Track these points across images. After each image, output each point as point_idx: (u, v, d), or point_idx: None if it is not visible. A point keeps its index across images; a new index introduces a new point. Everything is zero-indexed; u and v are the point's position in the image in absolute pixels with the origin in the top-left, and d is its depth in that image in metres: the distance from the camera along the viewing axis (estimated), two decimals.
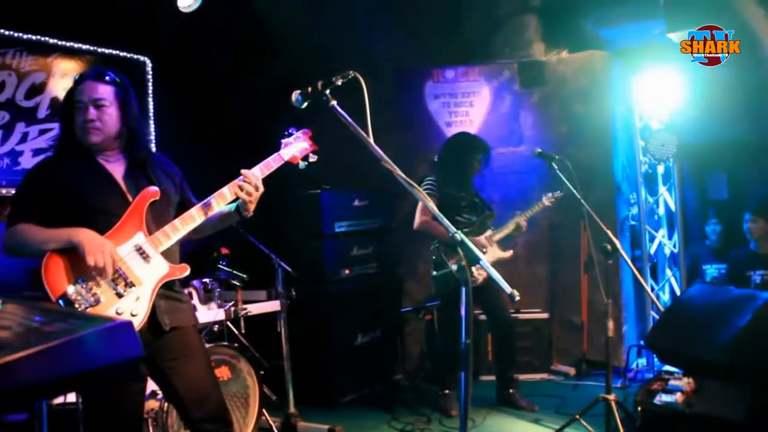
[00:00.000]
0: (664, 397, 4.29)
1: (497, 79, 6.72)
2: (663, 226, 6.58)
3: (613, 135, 6.47)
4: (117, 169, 2.94)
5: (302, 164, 3.28)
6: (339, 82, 2.73)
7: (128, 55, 6.01)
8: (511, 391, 5.37)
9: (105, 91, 2.87)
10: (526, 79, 6.69)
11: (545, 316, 6.31)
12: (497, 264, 5.15)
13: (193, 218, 2.95)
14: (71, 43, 5.60)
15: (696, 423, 4.04)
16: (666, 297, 6.49)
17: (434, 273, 5.17)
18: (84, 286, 2.67)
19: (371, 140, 2.67)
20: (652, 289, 6.40)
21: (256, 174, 3.03)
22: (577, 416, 4.53)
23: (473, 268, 4.90)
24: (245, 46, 6.13)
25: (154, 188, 2.92)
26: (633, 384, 5.75)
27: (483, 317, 5.79)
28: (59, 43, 5.54)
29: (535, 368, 6.22)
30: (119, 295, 2.73)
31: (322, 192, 5.68)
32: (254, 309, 5.01)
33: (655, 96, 6.27)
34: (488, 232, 5.37)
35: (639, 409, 4.35)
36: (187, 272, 2.95)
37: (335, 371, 5.71)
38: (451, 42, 6.81)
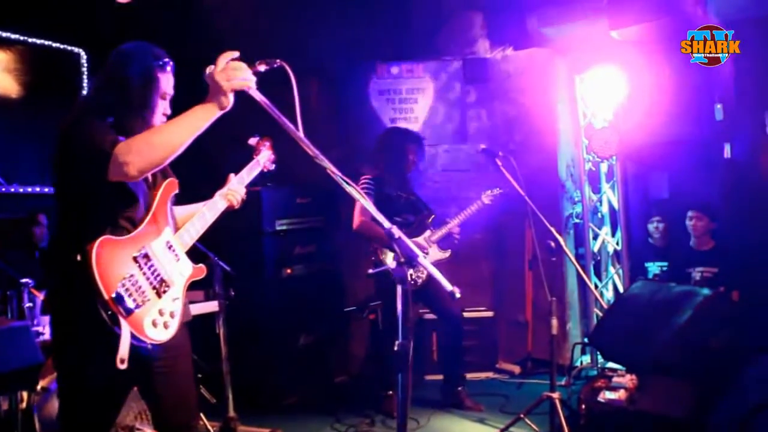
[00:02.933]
0: (608, 395, 4.28)
1: (442, 76, 6.65)
2: (606, 224, 6.59)
3: (558, 133, 6.45)
4: None
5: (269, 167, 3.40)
6: (261, 68, 2.55)
7: (62, 47, 5.78)
8: (459, 389, 5.30)
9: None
10: (471, 76, 6.65)
11: (490, 314, 6.26)
12: (438, 264, 5.05)
13: (206, 218, 2.86)
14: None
15: (639, 420, 4.04)
16: (610, 294, 6.50)
17: (369, 271, 5.03)
18: (131, 280, 2.40)
19: (301, 134, 2.52)
20: (596, 287, 6.40)
21: (242, 183, 3.08)
22: (522, 415, 4.49)
23: (412, 270, 4.83)
24: (182, 38, 5.91)
25: (175, 181, 2.76)
26: (577, 382, 5.75)
27: (429, 316, 5.71)
28: None
29: (480, 367, 6.17)
30: (158, 295, 2.51)
31: (262, 189, 5.51)
32: (192, 309, 4.80)
33: (598, 95, 6.27)
34: (427, 233, 5.30)
35: (583, 406, 4.33)
36: (205, 274, 2.82)
37: (276, 373, 5.55)
38: (396, 38, 6.74)
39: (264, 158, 3.30)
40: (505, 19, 6.67)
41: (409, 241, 2.42)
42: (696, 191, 6.24)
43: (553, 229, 4.54)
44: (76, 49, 5.84)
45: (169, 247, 2.63)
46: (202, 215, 2.84)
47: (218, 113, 2.47)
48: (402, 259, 2.40)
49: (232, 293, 4.88)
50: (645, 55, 6.01)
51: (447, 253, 5.30)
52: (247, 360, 5.21)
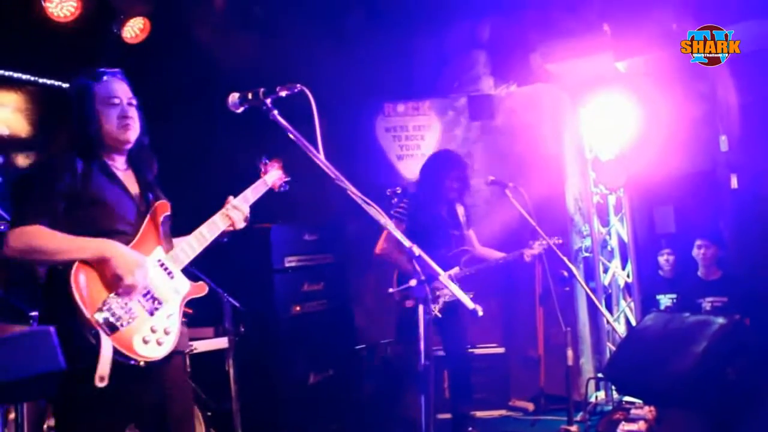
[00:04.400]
0: (627, 426, 4.20)
1: (448, 113, 6.69)
2: (616, 257, 6.55)
3: (564, 167, 6.45)
4: (128, 178, 2.76)
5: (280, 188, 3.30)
6: (283, 94, 2.60)
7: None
8: (469, 429, 5.16)
9: (130, 92, 2.75)
10: (476, 113, 6.68)
11: (501, 350, 6.17)
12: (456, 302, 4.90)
13: (205, 237, 2.83)
14: (10, 73, 5.36)
15: None
16: (622, 328, 6.42)
17: (390, 290, 4.76)
18: (118, 300, 2.43)
19: (322, 156, 2.55)
20: (608, 321, 6.32)
21: (246, 202, 3.02)
22: None
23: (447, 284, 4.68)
24: (190, 76, 5.97)
25: (167, 202, 2.79)
26: (592, 417, 5.63)
27: (440, 353, 5.60)
28: None
29: (492, 405, 6.06)
30: (150, 312, 2.53)
31: (271, 226, 5.48)
32: (201, 346, 4.75)
33: (604, 128, 6.29)
34: (455, 270, 4.96)
35: None
36: (206, 291, 2.81)
37: (287, 412, 5.44)
38: (401, 76, 6.78)
39: (273, 177, 3.23)
40: (508, 56, 6.73)
41: (431, 261, 2.40)
42: (703, 222, 6.22)
43: (565, 259, 4.50)
44: None
45: (161, 265, 2.66)
46: (199, 234, 2.82)
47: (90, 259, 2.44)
48: (423, 278, 2.39)
49: (242, 329, 4.82)
50: (649, 87, 6.05)
51: (470, 295, 5.01)
52: (256, 398, 5.12)
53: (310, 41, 6.13)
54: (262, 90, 2.58)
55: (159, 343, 2.51)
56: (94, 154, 2.63)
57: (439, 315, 4.77)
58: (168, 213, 2.77)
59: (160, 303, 2.57)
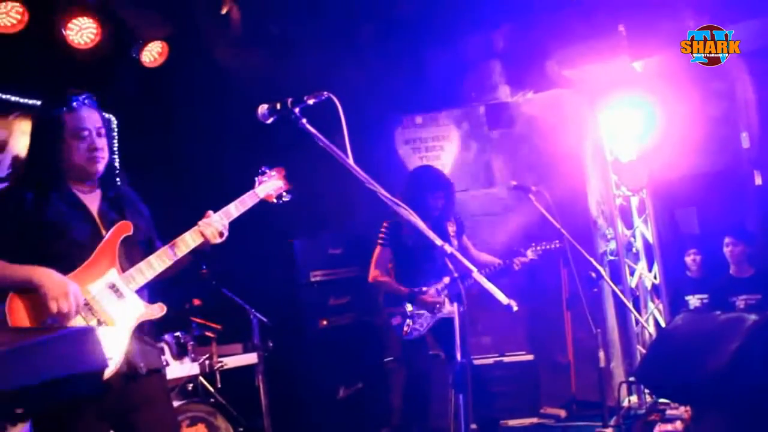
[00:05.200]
0: (663, 427, 4.13)
1: (466, 123, 6.69)
2: (642, 259, 6.48)
3: (585, 170, 6.41)
4: (92, 201, 2.73)
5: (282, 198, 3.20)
6: (310, 102, 2.61)
7: None
8: None
9: (99, 120, 2.71)
10: (494, 121, 6.67)
11: (530, 357, 6.09)
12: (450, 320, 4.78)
13: (168, 255, 2.74)
14: (34, 101, 5.42)
15: None
16: (651, 330, 6.33)
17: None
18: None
19: (351, 161, 2.55)
20: (637, 323, 6.25)
21: (228, 217, 2.89)
22: None
23: (410, 320, 4.58)
24: (209, 98, 6.02)
25: (128, 223, 2.72)
26: (626, 422, 5.54)
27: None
28: (21, 100, 5.35)
29: (523, 413, 5.96)
30: None
31: (295, 240, 5.49)
32: (230, 362, 4.74)
33: (622, 130, 6.25)
34: (442, 283, 4.60)
35: None
36: (164, 312, 2.72)
37: (316, 427, 5.41)
38: (419, 88, 6.78)
39: (268, 188, 3.11)
40: (523, 64, 6.70)
41: (462, 258, 2.39)
42: (728, 220, 6.16)
43: (592, 260, 4.46)
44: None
45: (110, 287, 2.60)
46: (162, 254, 2.74)
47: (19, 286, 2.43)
48: (456, 275, 2.37)
49: (271, 344, 4.82)
50: (667, 88, 6.02)
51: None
52: (287, 413, 5.10)
53: (326, 57, 6.17)
54: (290, 100, 2.59)
55: None
56: (54, 184, 2.61)
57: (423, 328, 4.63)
58: (129, 233, 2.71)
59: (104, 325, 2.52)
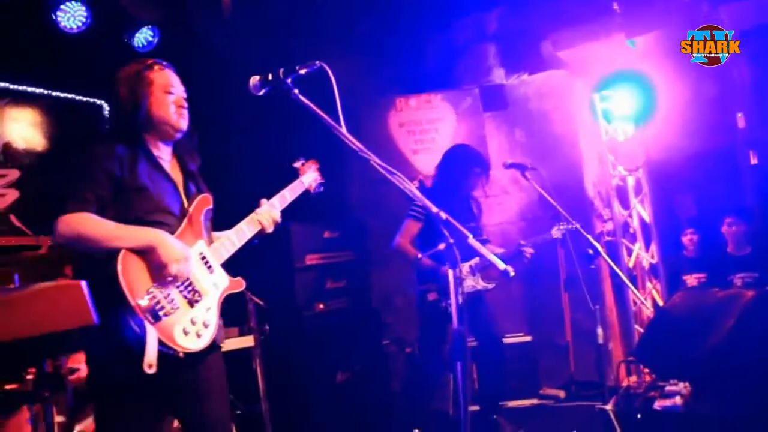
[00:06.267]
0: (662, 402, 4.10)
1: (461, 105, 6.64)
2: (639, 239, 6.45)
3: (581, 151, 6.38)
4: (173, 169, 2.75)
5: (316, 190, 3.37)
6: (302, 72, 2.57)
7: (84, 99, 5.78)
8: (494, 416, 5.04)
9: (182, 86, 2.75)
10: (489, 103, 6.63)
11: (528, 339, 6.07)
12: (479, 293, 4.85)
13: (245, 233, 2.86)
14: (24, 87, 5.37)
15: (700, 423, 3.86)
16: (649, 310, 6.31)
17: (419, 256, 4.65)
18: (161, 290, 2.41)
19: (344, 130, 2.52)
20: (635, 303, 6.22)
21: (284, 202, 3.09)
22: None
23: (466, 276, 4.70)
24: (201, 83, 5.95)
25: (209, 196, 2.78)
26: (625, 400, 5.51)
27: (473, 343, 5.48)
28: (11, 87, 5.30)
29: (522, 394, 5.94)
30: (190, 304, 2.50)
31: (290, 223, 5.43)
32: (226, 345, 4.68)
33: (618, 110, 6.22)
34: (475, 260, 4.86)
35: (639, 416, 4.14)
36: (244, 286, 2.83)
37: (316, 411, 5.36)
38: (412, 71, 6.74)
39: (309, 179, 3.29)
40: (518, 46, 6.66)
41: (459, 225, 2.36)
42: (724, 200, 6.13)
43: (590, 237, 4.42)
44: (98, 101, 5.85)
45: (202, 258, 2.64)
46: (229, 238, 2.82)
47: (138, 247, 2.41)
48: (451, 241, 2.34)
49: (267, 328, 4.78)
50: (662, 67, 5.97)
51: (491, 284, 4.89)
52: (284, 397, 5.06)
53: (319, 40, 6.12)
54: (281, 70, 2.55)
55: (198, 335, 2.48)
56: (139, 141, 2.61)
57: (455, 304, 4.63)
58: (210, 207, 2.76)
59: (200, 295, 2.54)
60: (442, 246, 2.37)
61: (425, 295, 4.75)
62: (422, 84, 6.75)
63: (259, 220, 2.91)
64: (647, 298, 6.36)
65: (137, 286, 2.33)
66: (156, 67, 2.67)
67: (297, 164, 3.35)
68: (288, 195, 3.12)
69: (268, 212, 2.96)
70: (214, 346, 2.59)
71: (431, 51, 6.79)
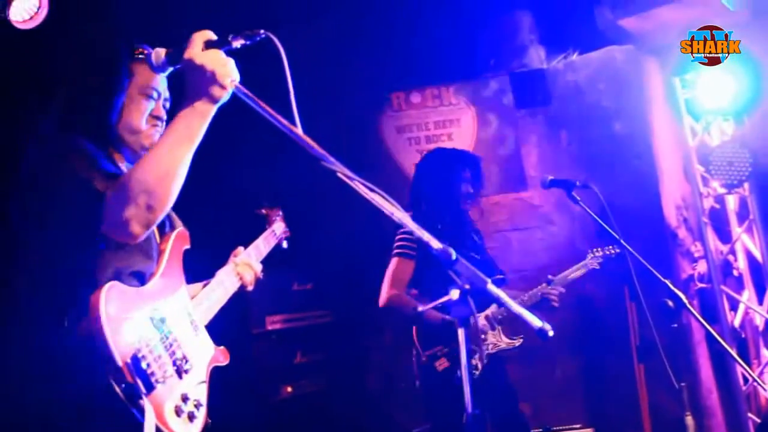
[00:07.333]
0: None
1: (483, 100, 6.69)
2: (747, 286, 6.41)
3: (657, 162, 6.38)
4: None
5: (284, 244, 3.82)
6: (237, 44, 2.47)
7: None
8: None
9: (168, 92, 2.84)
10: (524, 96, 6.66)
11: None
12: (502, 353, 4.95)
13: (226, 288, 3.07)
14: None
15: None
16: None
17: (420, 308, 4.66)
18: (150, 350, 2.41)
19: (300, 132, 2.44)
20: (746, 381, 6.16)
21: (259, 256, 3.39)
22: None
23: (489, 333, 4.80)
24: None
25: (186, 232, 2.90)
26: None
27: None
28: None
29: None
30: (179, 374, 2.52)
31: None
32: None
33: (711, 100, 6.21)
34: (492, 308, 5.00)
35: None
36: (228, 361, 2.96)
37: None
38: (414, 56, 6.75)
39: (279, 230, 3.64)
40: (563, 15, 6.70)
41: (471, 266, 2.33)
42: None
43: (668, 282, 4.36)
44: None
45: (188, 314, 2.74)
46: (214, 291, 2.96)
47: (214, 109, 2.46)
48: (467, 287, 2.31)
49: (210, 422, 4.71)
50: None
51: (518, 341, 5.03)
52: None
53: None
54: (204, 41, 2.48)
55: (191, 419, 2.52)
56: (101, 143, 2.66)
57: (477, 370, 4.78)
58: (188, 246, 2.87)
59: (188, 363, 2.58)
60: (454, 294, 2.33)
61: (433, 363, 4.76)
62: (428, 72, 6.80)
63: (241, 274, 3.12)
64: (764, 373, 6.29)
65: (123, 341, 2.31)
66: (148, 57, 2.63)
67: (262, 211, 3.69)
68: (262, 247, 3.43)
69: (251, 263, 3.20)
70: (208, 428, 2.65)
71: (441, 26, 6.80)
